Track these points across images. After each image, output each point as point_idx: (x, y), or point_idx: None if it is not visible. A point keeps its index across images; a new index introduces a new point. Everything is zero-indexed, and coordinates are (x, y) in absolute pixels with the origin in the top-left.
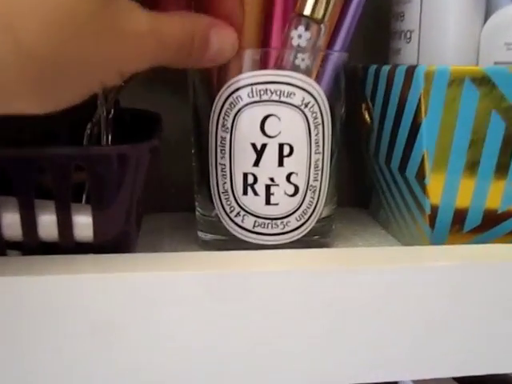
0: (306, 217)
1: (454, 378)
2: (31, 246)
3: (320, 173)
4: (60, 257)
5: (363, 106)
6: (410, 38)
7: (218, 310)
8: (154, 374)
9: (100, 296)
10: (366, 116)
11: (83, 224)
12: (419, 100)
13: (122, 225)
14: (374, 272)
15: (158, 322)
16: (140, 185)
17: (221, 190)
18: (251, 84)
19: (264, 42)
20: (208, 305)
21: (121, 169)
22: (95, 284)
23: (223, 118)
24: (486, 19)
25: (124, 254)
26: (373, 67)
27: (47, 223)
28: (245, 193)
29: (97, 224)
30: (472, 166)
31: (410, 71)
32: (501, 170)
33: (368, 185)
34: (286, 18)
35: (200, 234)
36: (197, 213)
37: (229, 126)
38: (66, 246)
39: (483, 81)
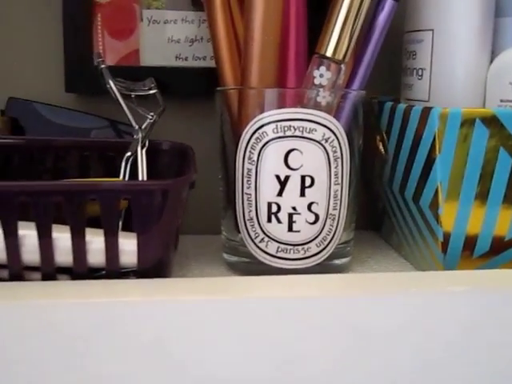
0: (326, 243)
1: None
2: (80, 271)
3: (339, 202)
4: (109, 282)
5: (378, 137)
6: (422, 75)
7: (250, 333)
8: None
9: (147, 320)
10: (381, 147)
11: (129, 251)
12: (434, 138)
13: (162, 251)
14: (395, 298)
15: (201, 343)
16: (179, 214)
17: (246, 217)
18: (276, 121)
19: (280, 80)
20: (241, 327)
21: (163, 201)
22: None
23: (249, 152)
24: (492, 59)
25: (166, 279)
26: (388, 104)
27: (96, 250)
28: (269, 220)
29: (141, 251)
30: (482, 197)
31: (426, 112)
32: (508, 201)
33: (380, 209)
34: (299, 59)
35: (225, 256)
36: (222, 236)
37: (255, 158)
38: (112, 271)
39: (492, 121)
